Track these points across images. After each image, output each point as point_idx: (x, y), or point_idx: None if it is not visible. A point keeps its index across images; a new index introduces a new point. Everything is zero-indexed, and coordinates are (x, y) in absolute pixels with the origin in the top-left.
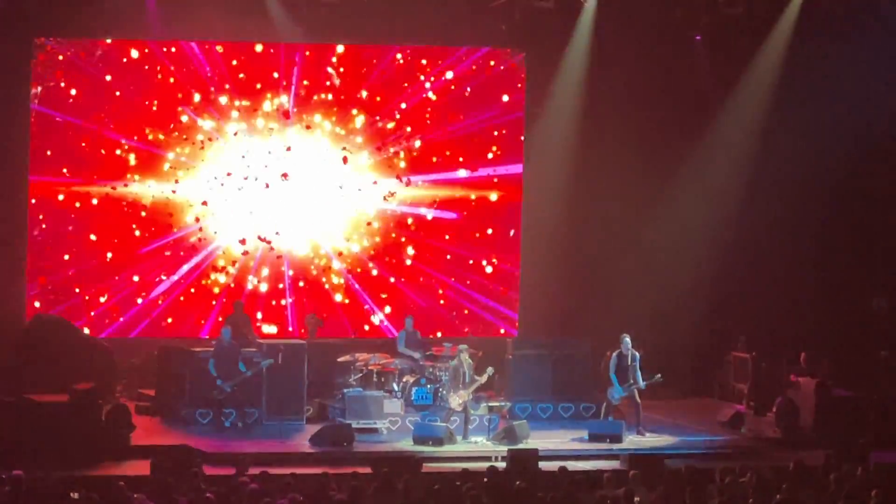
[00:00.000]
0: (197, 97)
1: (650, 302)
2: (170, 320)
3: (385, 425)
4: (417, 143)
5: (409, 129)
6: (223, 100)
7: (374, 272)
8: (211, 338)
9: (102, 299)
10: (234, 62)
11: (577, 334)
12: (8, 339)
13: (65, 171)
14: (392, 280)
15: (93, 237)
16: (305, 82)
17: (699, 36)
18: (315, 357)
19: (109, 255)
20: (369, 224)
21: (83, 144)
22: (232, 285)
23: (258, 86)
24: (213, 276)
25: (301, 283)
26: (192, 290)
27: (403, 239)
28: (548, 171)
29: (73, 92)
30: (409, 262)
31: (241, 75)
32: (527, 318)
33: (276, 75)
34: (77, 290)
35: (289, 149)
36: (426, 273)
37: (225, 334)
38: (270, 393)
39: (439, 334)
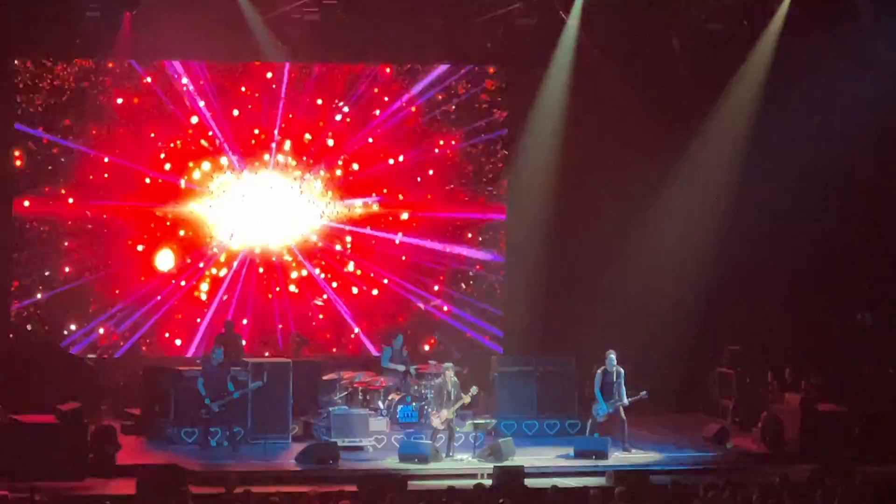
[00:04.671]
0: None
1: (635, 318)
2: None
3: (370, 443)
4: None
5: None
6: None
7: (354, 290)
8: (196, 357)
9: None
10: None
11: (562, 351)
12: None
13: (47, 189)
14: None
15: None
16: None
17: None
18: (300, 375)
19: (92, 275)
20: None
21: (63, 161)
22: (226, 297)
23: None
24: (197, 294)
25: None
26: (178, 311)
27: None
28: (531, 188)
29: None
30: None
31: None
32: (511, 336)
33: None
34: (61, 311)
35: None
36: (413, 290)
37: (216, 354)
38: (256, 411)
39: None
